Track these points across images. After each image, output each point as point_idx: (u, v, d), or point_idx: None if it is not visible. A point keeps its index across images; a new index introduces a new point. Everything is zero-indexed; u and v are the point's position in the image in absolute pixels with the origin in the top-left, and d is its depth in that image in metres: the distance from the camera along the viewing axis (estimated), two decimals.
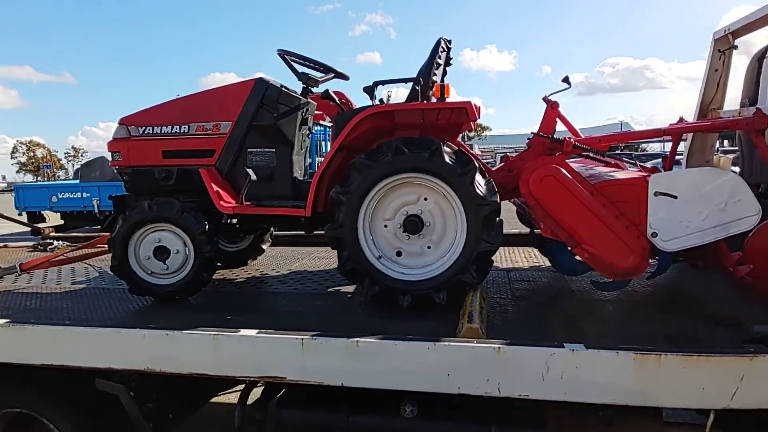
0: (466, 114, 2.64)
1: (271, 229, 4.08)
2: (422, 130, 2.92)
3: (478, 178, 2.59)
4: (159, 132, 3.11)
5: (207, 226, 2.94)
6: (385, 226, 2.76)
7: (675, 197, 2.30)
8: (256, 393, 2.58)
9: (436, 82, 2.87)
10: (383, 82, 3.00)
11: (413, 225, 2.68)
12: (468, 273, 2.61)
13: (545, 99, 3.05)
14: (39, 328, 2.30)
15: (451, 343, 1.91)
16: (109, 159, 3.33)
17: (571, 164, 2.73)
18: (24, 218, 10.80)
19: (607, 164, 3.00)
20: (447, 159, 2.56)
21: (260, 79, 3.05)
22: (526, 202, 2.54)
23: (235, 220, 3.20)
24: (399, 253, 2.76)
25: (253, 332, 2.07)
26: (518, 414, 2.20)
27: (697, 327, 2.30)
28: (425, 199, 2.72)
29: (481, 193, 2.55)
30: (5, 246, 5.37)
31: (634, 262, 2.34)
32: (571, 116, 3.08)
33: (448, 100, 2.69)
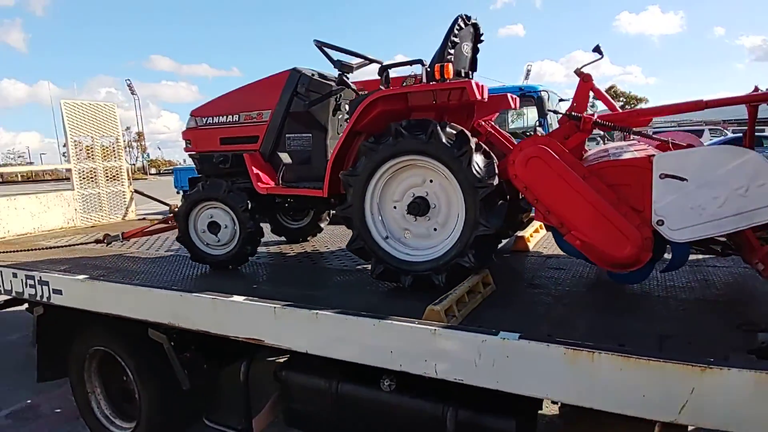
0: (466, 94, 2.57)
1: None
2: (437, 112, 2.91)
3: (477, 159, 2.52)
4: (216, 122, 3.56)
5: (249, 205, 3.33)
6: (395, 207, 2.83)
7: (685, 180, 2.00)
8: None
9: (450, 60, 2.82)
10: (393, 65, 3.03)
11: (418, 207, 2.72)
12: (466, 257, 2.57)
13: (577, 72, 2.78)
14: (105, 284, 2.88)
15: (393, 322, 1.97)
16: None
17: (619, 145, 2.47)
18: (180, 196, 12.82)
19: (646, 142, 2.65)
20: (444, 140, 2.54)
21: (294, 69, 3.30)
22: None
23: (279, 200, 3.53)
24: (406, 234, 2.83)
25: (241, 298, 2.36)
26: (491, 400, 2.16)
27: (708, 329, 2.00)
28: (431, 181, 2.73)
29: (478, 175, 2.48)
30: (143, 218, 6.54)
31: (630, 252, 2.10)
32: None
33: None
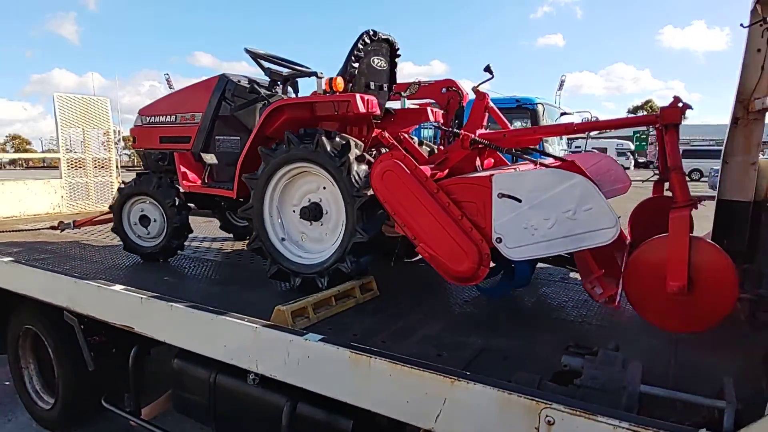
0: (351, 107, 2.67)
1: None
2: (341, 122, 3.03)
3: (358, 169, 2.62)
4: (157, 121, 3.76)
5: (177, 201, 3.51)
6: (294, 211, 2.96)
7: (519, 200, 2.05)
8: None
9: (353, 74, 2.92)
10: (296, 76, 3.16)
11: (309, 212, 2.84)
12: (345, 262, 2.67)
13: (474, 89, 2.86)
14: (23, 267, 3.11)
15: (227, 318, 2.09)
16: None
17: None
18: None
19: (527, 162, 2.69)
20: (329, 149, 2.64)
21: (222, 75, 3.47)
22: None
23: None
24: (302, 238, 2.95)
25: (119, 287, 2.53)
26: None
27: (543, 348, 2.05)
28: (324, 188, 2.84)
29: (356, 185, 2.58)
30: None
31: (468, 267, 2.16)
32: None
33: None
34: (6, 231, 4.77)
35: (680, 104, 2.03)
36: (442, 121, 3.60)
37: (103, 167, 6.94)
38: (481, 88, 2.76)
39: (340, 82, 2.72)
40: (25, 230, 4.83)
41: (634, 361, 1.60)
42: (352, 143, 2.68)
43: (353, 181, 2.59)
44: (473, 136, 2.56)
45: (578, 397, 1.49)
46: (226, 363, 2.35)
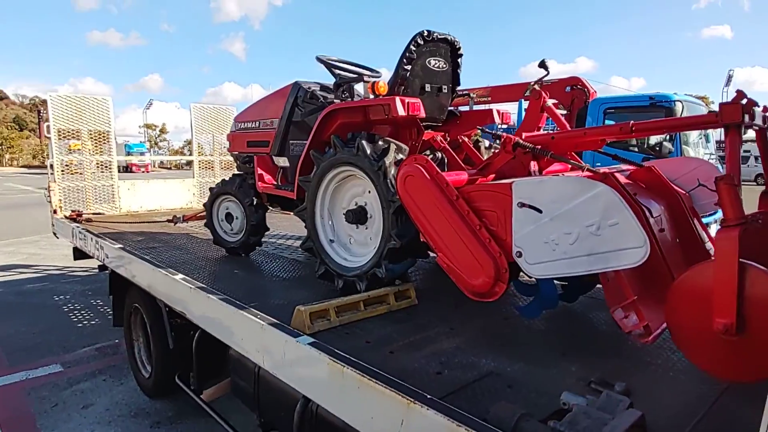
0: (390, 110, 2.62)
1: None
2: (392, 125, 3.01)
3: (395, 172, 2.56)
4: (245, 127, 4.10)
5: (254, 200, 3.80)
6: (343, 214, 3.01)
7: (540, 211, 1.84)
8: None
9: (404, 77, 2.87)
10: (346, 81, 3.17)
11: (354, 215, 2.86)
12: (380, 267, 2.64)
13: (531, 88, 2.63)
14: (124, 253, 3.63)
15: (243, 313, 2.19)
16: None
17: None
18: None
19: (574, 168, 2.38)
20: (368, 152, 2.64)
21: (295, 83, 3.66)
22: None
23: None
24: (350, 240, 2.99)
25: (179, 276, 2.82)
26: None
27: (556, 378, 1.82)
28: (369, 192, 2.84)
29: (392, 189, 2.54)
30: None
31: (483, 282, 1.98)
32: None
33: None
34: (142, 222, 5.62)
35: (744, 100, 1.63)
36: (510, 122, 3.37)
37: (228, 168, 7.77)
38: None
39: (382, 86, 2.70)
40: (153, 222, 5.62)
41: (632, 409, 1.33)
42: (392, 147, 2.64)
43: (389, 185, 2.55)
44: (516, 139, 2.36)
45: None
46: None
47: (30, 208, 17.29)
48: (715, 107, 1.67)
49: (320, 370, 1.74)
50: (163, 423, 3.73)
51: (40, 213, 15.26)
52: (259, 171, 3.77)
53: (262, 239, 3.98)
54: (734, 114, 1.64)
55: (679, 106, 7.96)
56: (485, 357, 1.99)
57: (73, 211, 6.01)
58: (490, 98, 8.20)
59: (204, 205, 4.22)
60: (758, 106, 1.66)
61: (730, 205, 1.54)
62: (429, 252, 2.97)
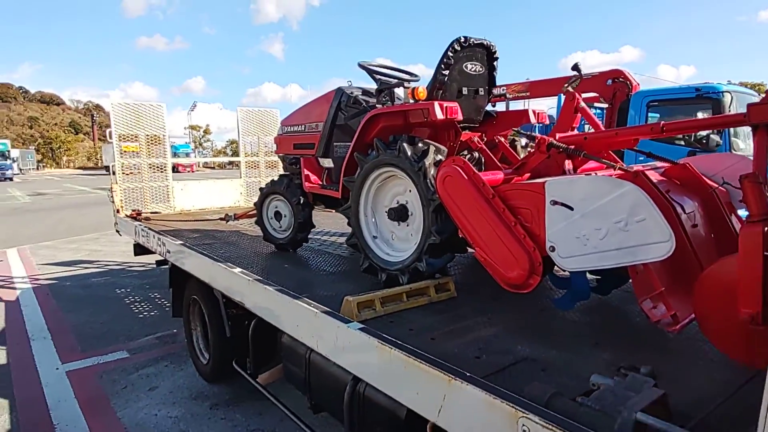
0: (429, 114, 2.79)
1: None
2: (431, 128, 3.18)
3: (434, 173, 2.73)
4: (291, 130, 4.36)
5: (301, 199, 4.05)
6: (386, 212, 3.20)
7: (571, 208, 1.97)
8: None
9: (443, 81, 3.04)
10: (388, 87, 3.35)
11: (395, 213, 3.05)
12: (421, 262, 2.82)
13: (563, 91, 2.74)
14: (184, 248, 3.95)
15: (298, 302, 2.42)
16: None
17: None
18: None
19: (609, 166, 2.47)
20: (409, 154, 2.82)
21: (339, 88, 3.87)
22: None
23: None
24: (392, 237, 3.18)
25: (237, 270, 3.09)
26: None
27: (591, 363, 1.96)
28: (410, 191, 3.02)
29: (431, 188, 2.71)
30: None
31: (518, 275, 2.12)
32: None
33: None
34: (195, 220, 6.01)
35: None
36: (546, 122, 3.48)
37: (272, 167, 8.13)
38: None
39: (421, 91, 2.87)
40: (207, 220, 6.00)
41: (654, 388, 1.46)
42: (432, 149, 2.81)
43: (429, 184, 2.72)
44: (550, 139, 2.48)
45: (579, 416, 1.43)
46: None
47: (87, 208, 18.41)
48: None
49: (370, 352, 1.94)
50: (221, 405, 4.05)
51: (97, 212, 16.27)
52: (306, 172, 4.02)
53: (308, 236, 4.23)
54: (762, 114, 1.72)
55: (728, 98, 7.70)
56: (521, 344, 2.14)
57: (133, 210, 6.47)
58: (529, 93, 8.21)
59: (254, 204, 4.51)
60: None
61: (755, 202, 1.64)
62: (467, 248, 3.11)
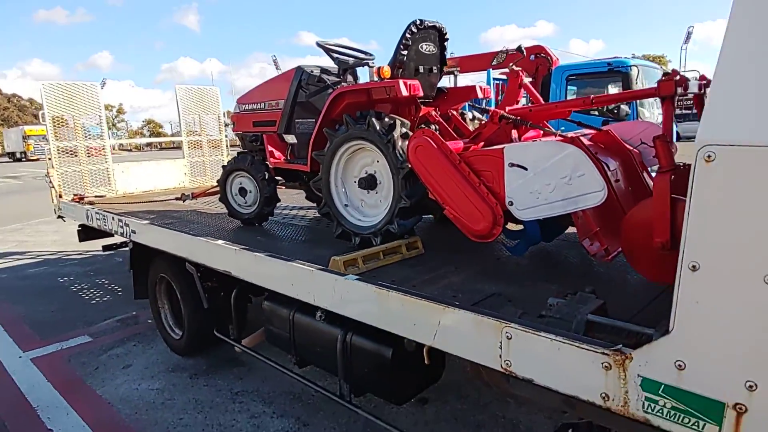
0: (394, 91, 3.12)
1: None
2: (393, 104, 3.51)
3: (402, 144, 3.08)
4: (250, 108, 4.50)
5: (266, 175, 4.25)
6: (354, 182, 3.52)
7: (526, 169, 2.40)
8: None
9: (402, 61, 3.36)
10: (354, 65, 3.65)
11: (365, 182, 3.38)
12: (393, 224, 3.19)
13: (510, 68, 3.16)
14: (156, 228, 4.05)
15: (293, 263, 2.72)
16: None
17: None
18: None
19: (546, 134, 2.96)
20: (378, 128, 3.14)
21: (298, 67, 4.08)
22: None
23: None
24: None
25: (221, 242, 3.30)
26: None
27: (539, 293, 2.43)
28: (377, 161, 3.36)
29: (400, 158, 3.06)
30: None
31: (484, 226, 2.55)
32: None
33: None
34: (144, 201, 5.98)
35: (677, 77, 2.22)
36: (490, 96, 3.91)
37: (215, 147, 8.10)
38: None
39: (386, 70, 3.19)
40: (157, 201, 5.98)
41: (596, 299, 1.94)
42: (398, 123, 3.15)
43: (398, 155, 3.07)
44: (501, 112, 2.90)
45: (544, 324, 1.88)
46: (300, 303, 3.02)
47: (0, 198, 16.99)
48: (675, 65, 2.22)
49: (369, 298, 2.29)
50: (200, 374, 4.25)
51: (13, 201, 15.09)
52: (270, 148, 4.21)
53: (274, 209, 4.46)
54: (668, 88, 2.22)
55: (634, 71, 8.64)
56: (487, 285, 2.58)
57: (75, 194, 6.29)
58: (459, 68, 8.71)
59: (217, 181, 4.64)
60: (695, 80, 2.24)
61: (664, 156, 2.14)
62: (432, 211, 3.52)
